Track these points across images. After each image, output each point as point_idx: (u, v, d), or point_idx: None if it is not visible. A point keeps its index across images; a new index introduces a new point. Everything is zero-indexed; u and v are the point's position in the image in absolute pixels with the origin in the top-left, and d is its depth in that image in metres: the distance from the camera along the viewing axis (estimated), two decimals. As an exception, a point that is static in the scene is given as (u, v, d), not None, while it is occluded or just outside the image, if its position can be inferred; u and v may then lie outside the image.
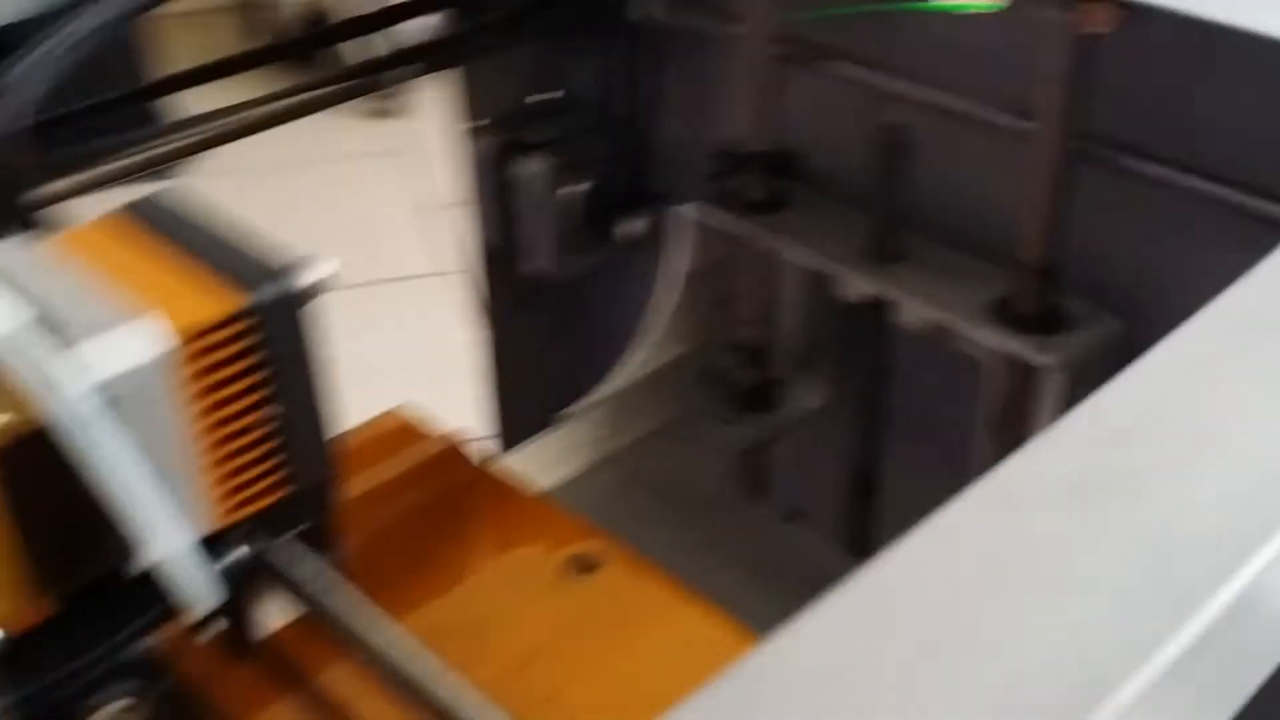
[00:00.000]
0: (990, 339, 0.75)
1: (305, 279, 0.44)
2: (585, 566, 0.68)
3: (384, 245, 2.34)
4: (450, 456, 0.77)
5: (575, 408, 0.94)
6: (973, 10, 0.77)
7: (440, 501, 0.75)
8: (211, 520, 0.45)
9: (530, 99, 1.02)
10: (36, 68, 0.54)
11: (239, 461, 0.45)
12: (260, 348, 0.43)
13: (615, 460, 0.94)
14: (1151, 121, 0.71)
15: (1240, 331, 0.37)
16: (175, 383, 0.41)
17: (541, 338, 1.15)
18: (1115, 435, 0.33)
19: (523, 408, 1.13)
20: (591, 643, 0.61)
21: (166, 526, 0.41)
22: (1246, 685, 0.31)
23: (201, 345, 0.42)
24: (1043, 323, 0.74)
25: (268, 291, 0.43)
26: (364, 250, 2.29)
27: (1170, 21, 0.61)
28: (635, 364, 0.97)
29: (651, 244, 0.99)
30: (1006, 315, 0.76)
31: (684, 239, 0.93)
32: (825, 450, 0.96)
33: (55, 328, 0.40)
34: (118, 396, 0.40)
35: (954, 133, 0.80)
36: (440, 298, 2.15)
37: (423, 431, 0.79)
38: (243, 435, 0.44)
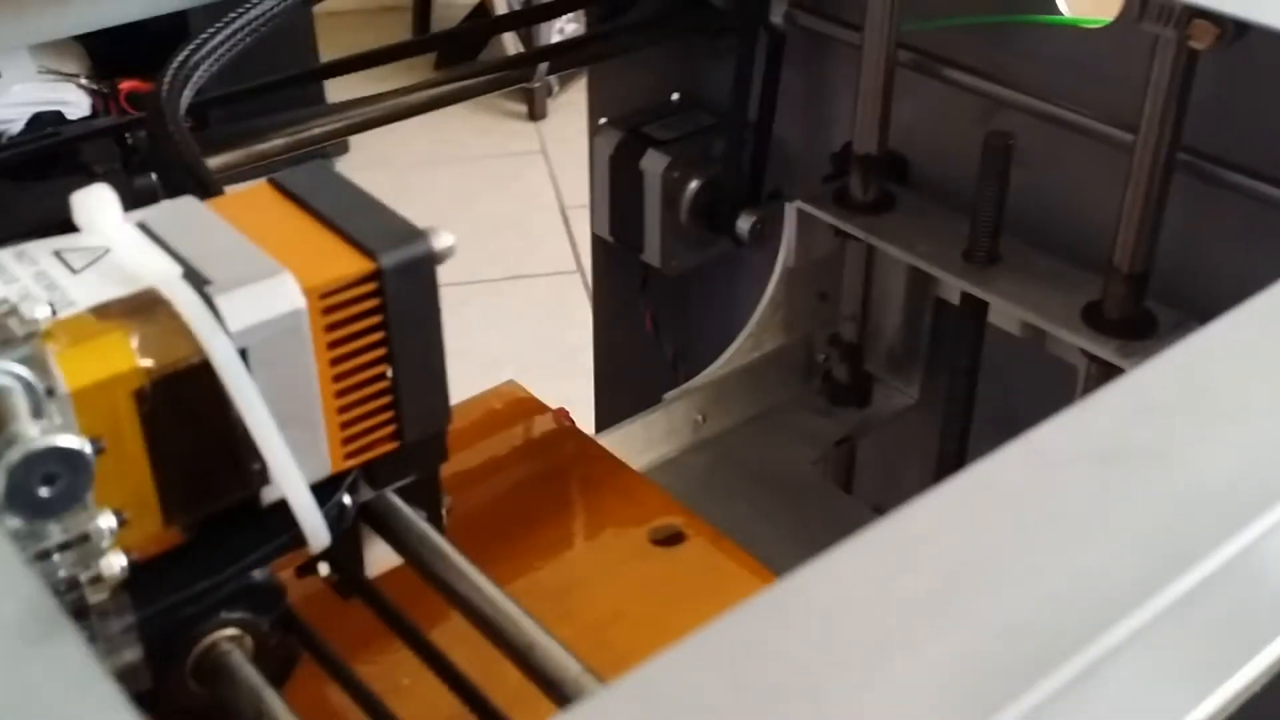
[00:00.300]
0: (1081, 342, 0.77)
1: (427, 248, 0.48)
2: (670, 539, 0.72)
3: (516, 242, 2.38)
4: (554, 429, 0.82)
5: (674, 393, 0.98)
6: (1082, 25, 0.79)
7: (541, 470, 0.80)
8: (329, 465, 0.49)
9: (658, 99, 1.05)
10: (218, 48, 0.59)
11: (356, 412, 0.49)
12: (383, 309, 0.47)
13: (710, 444, 0.97)
14: (1248, 136, 0.73)
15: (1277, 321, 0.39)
16: (305, 336, 0.45)
17: (652, 326, 1.19)
18: (1146, 408, 0.36)
19: (626, 393, 1.17)
20: (670, 609, 0.65)
21: (290, 466, 0.45)
22: (1252, 645, 0.33)
23: (329, 303, 0.46)
24: (1132, 328, 0.76)
25: (392, 257, 0.47)
26: (496, 246, 2.34)
27: (1275, 39, 0.63)
28: (737, 354, 1.00)
29: (762, 240, 1.02)
30: (1097, 319, 0.78)
31: (792, 236, 0.96)
32: (914, 446, 0.98)
33: (203, 281, 0.44)
34: (253, 345, 0.44)
35: (1055, 141, 0.82)
36: (567, 295, 2.20)
37: (531, 405, 0.83)
38: (362, 388, 0.48)
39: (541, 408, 0.84)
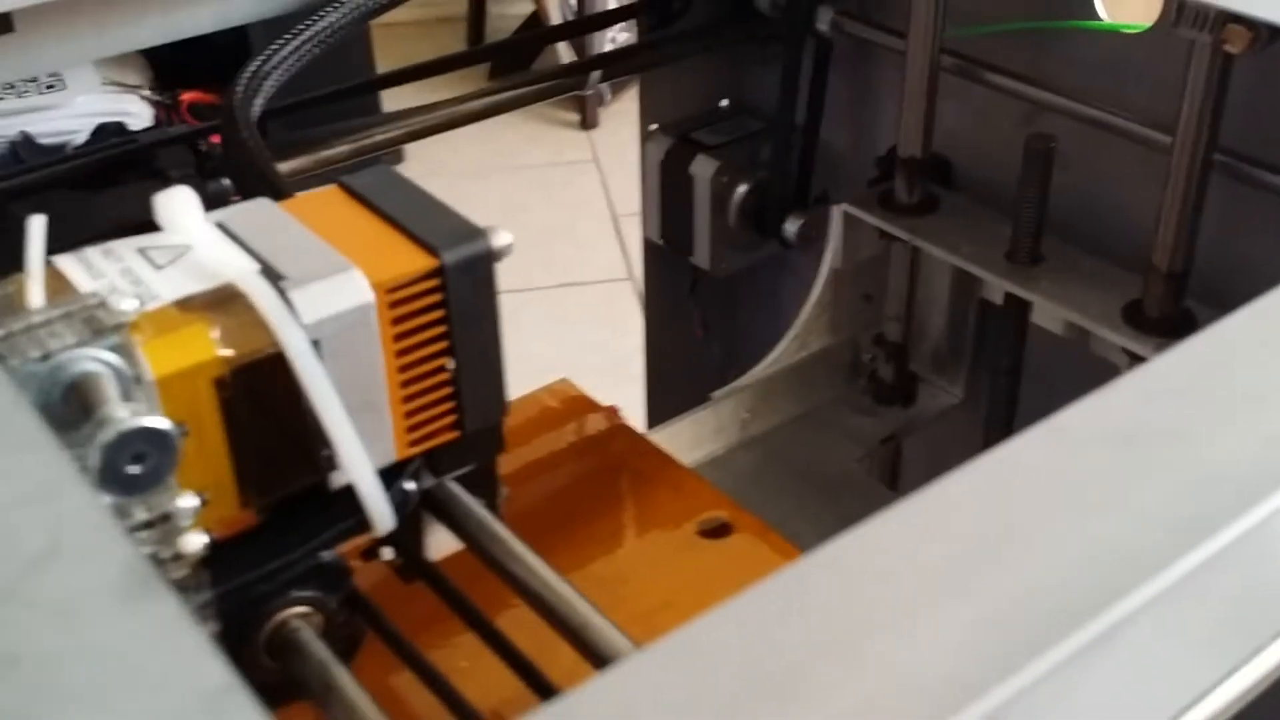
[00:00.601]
0: (1122, 340, 0.79)
1: (486, 245, 0.50)
2: (718, 531, 0.74)
3: (568, 249, 2.41)
4: (606, 426, 0.84)
5: (722, 392, 1.00)
6: (1121, 30, 0.81)
7: (593, 465, 0.82)
8: (393, 452, 0.52)
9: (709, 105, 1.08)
10: (286, 59, 0.62)
11: (420, 402, 0.51)
12: (445, 303, 0.50)
13: (757, 441, 0.99)
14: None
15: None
16: (373, 328, 0.48)
17: (701, 327, 1.21)
18: (1165, 392, 0.37)
19: (676, 393, 1.20)
20: (717, 598, 0.67)
21: (358, 452, 0.48)
22: (1265, 628, 0.35)
23: (395, 298, 0.48)
24: (1172, 326, 0.78)
25: (453, 254, 0.49)
26: (548, 254, 2.37)
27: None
28: (784, 353, 1.03)
29: (809, 242, 1.04)
30: (1138, 318, 0.79)
31: (838, 238, 0.98)
32: (958, 445, 1.00)
33: (278, 277, 0.47)
34: (325, 337, 0.47)
35: (1096, 143, 0.84)
36: (618, 302, 2.23)
37: (583, 403, 0.86)
38: (425, 379, 0.51)
39: (593, 405, 0.86)
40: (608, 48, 2.36)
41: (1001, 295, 0.89)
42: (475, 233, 0.51)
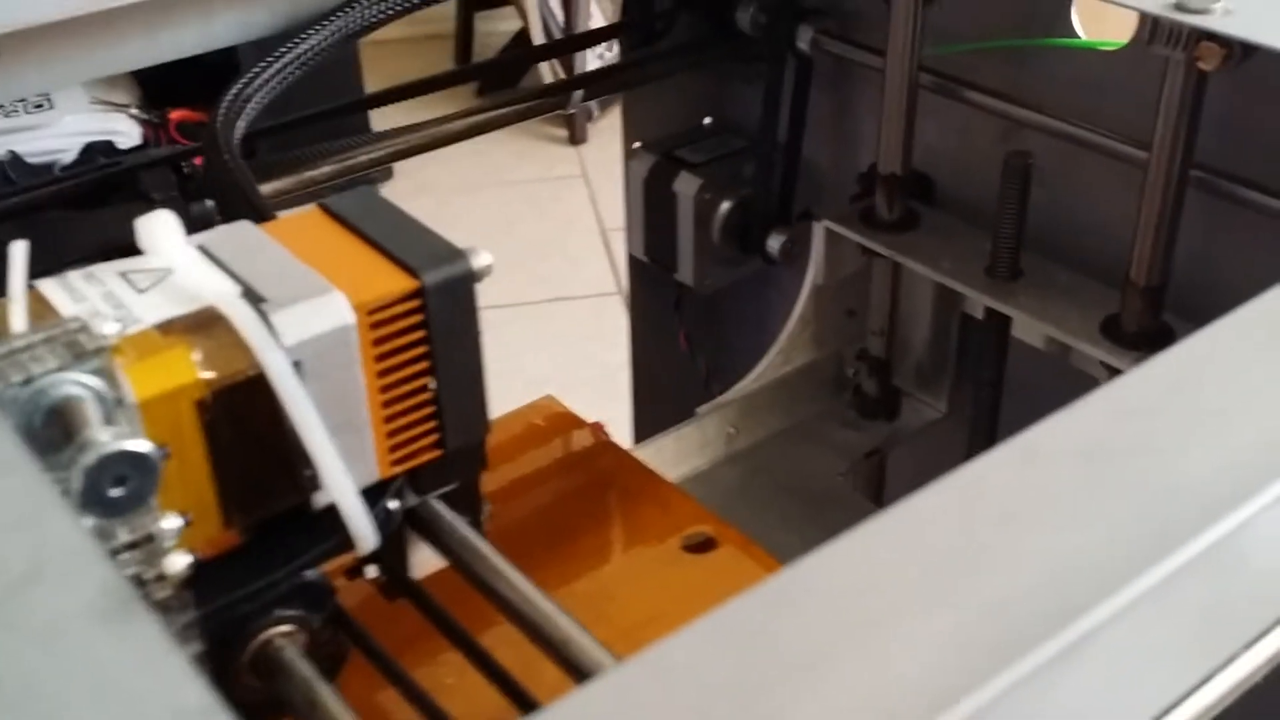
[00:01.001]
0: (1100, 354, 0.80)
1: (466, 267, 0.51)
2: (702, 546, 0.75)
3: (557, 264, 2.42)
4: (590, 442, 0.85)
5: (707, 407, 1.00)
6: (1097, 48, 0.82)
7: (578, 481, 0.83)
8: (375, 472, 0.53)
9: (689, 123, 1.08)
10: (269, 81, 0.63)
11: (402, 422, 0.52)
12: (426, 324, 0.50)
13: (742, 456, 1.00)
14: (1259, 152, 0.76)
15: (1267, 329, 0.42)
16: (354, 350, 0.49)
17: (686, 344, 1.22)
18: (1131, 410, 0.38)
19: (661, 408, 1.20)
20: (700, 613, 0.67)
21: (340, 472, 0.49)
22: (1234, 638, 0.36)
23: (376, 319, 0.49)
24: (1150, 340, 0.79)
25: (434, 276, 0.50)
26: (538, 269, 2.38)
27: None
28: (769, 369, 1.03)
29: (791, 258, 1.05)
30: (1116, 332, 0.80)
31: (821, 254, 0.99)
32: (942, 458, 1.00)
33: (259, 299, 0.47)
34: (306, 358, 0.47)
35: (1074, 159, 0.85)
36: (607, 316, 2.23)
37: (567, 419, 0.86)
38: (406, 399, 0.51)
39: (578, 422, 0.87)
40: (595, 66, 2.37)
41: (982, 310, 0.90)
42: (455, 254, 0.51)
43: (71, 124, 2.22)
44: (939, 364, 1.02)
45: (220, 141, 0.60)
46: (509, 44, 3.05)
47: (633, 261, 1.15)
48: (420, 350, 0.51)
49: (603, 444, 0.85)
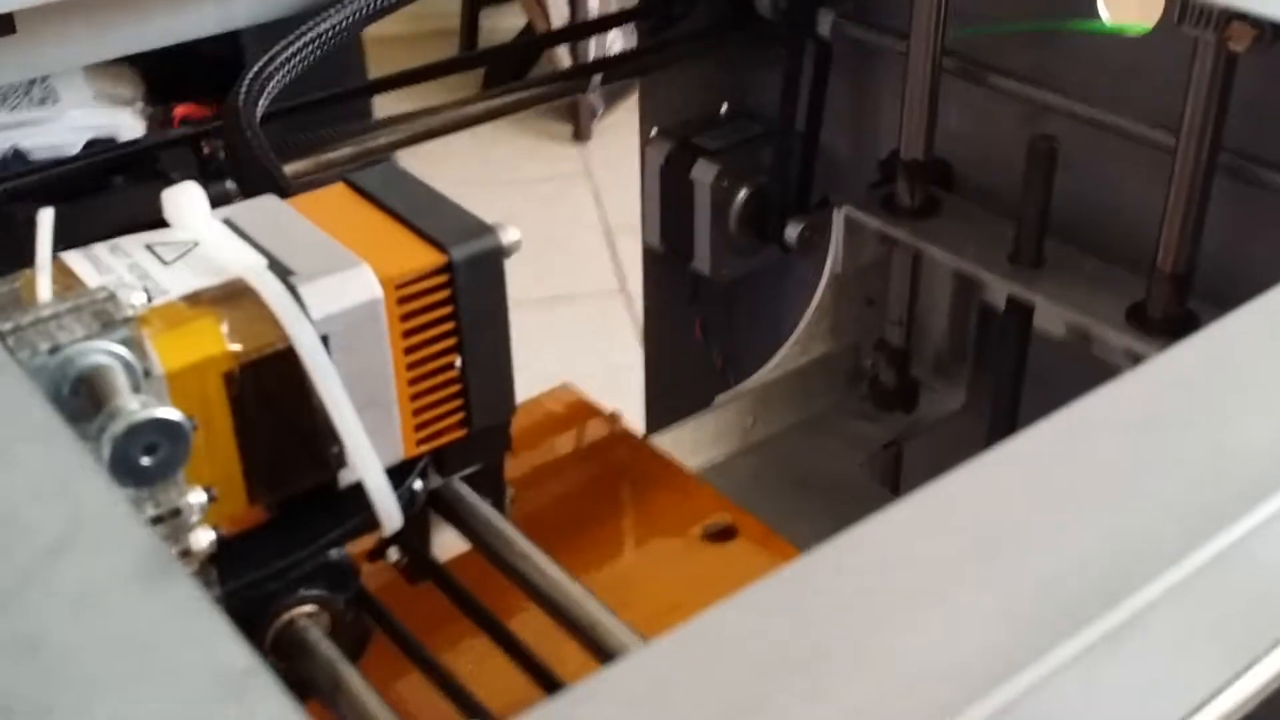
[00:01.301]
0: (1125, 342, 0.79)
1: (495, 242, 0.50)
2: (722, 535, 0.74)
3: (561, 263, 2.41)
4: (609, 430, 0.84)
5: (726, 396, 1.00)
6: (1122, 30, 0.81)
7: (597, 470, 0.82)
8: (401, 450, 0.52)
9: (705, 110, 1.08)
10: (289, 60, 0.62)
11: (428, 399, 0.51)
12: (453, 300, 0.50)
13: (758, 447, 0.99)
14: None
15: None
16: (381, 324, 0.48)
17: (702, 334, 1.21)
18: (1177, 382, 0.37)
19: (675, 400, 1.19)
20: (720, 600, 0.67)
21: (366, 449, 0.48)
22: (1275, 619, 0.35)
23: (404, 294, 0.48)
24: (1176, 327, 0.78)
25: (462, 251, 0.49)
26: (541, 267, 2.36)
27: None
28: (786, 359, 1.02)
29: (810, 247, 1.04)
30: (1141, 320, 0.79)
31: (840, 242, 0.98)
32: (960, 449, 0.99)
33: (287, 272, 0.47)
34: (334, 332, 0.46)
35: (1099, 144, 0.84)
36: (611, 315, 2.22)
37: (585, 408, 0.86)
38: (433, 376, 0.51)
39: (595, 410, 0.86)
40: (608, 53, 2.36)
41: (1003, 299, 0.89)
42: (484, 229, 0.51)
43: (75, 118, 2.21)
44: (958, 355, 1.01)
45: (243, 117, 0.60)
46: (514, 40, 3.05)
47: (647, 250, 1.14)
48: (448, 326, 0.50)
49: (621, 433, 0.84)
